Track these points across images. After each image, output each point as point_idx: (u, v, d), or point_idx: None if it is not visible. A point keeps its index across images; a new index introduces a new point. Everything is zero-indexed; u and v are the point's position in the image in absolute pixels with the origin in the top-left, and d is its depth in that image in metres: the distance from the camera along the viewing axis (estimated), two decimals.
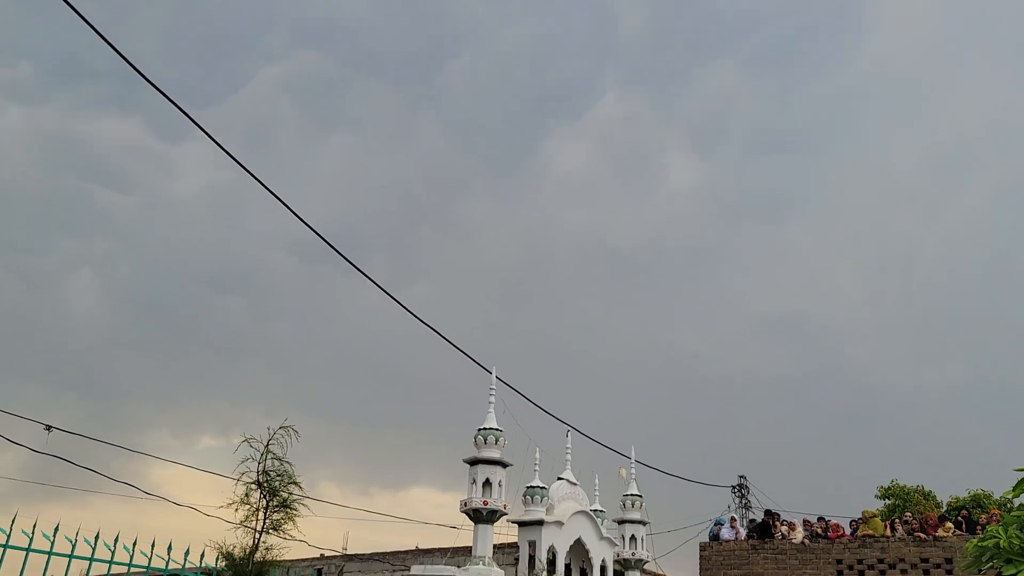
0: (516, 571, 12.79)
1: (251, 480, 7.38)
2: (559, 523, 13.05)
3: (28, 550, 6.18)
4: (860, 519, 16.72)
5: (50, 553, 6.31)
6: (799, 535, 16.85)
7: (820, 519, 17.08)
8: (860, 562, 15.78)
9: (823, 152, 68.47)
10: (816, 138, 68.39)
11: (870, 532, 16.16)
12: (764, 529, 17.62)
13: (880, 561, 15.58)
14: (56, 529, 6.37)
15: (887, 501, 22.57)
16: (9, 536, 6.05)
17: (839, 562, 15.99)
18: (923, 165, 63.45)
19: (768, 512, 18.49)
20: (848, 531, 16.63)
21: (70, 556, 6.47)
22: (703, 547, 17.93)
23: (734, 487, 25.27)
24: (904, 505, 20.78)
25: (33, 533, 6.22)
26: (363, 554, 20.07)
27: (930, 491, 22.35)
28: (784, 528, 17.36)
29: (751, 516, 21.97)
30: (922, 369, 60.94)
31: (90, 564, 6.61)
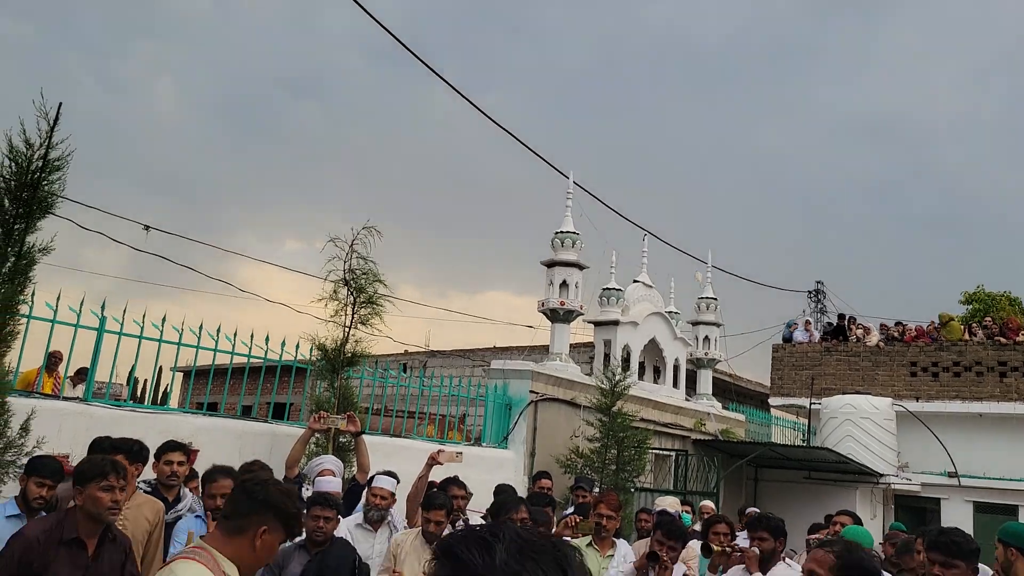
0: (591, 368, 13.30)
1: (338, 278, 7.68)
2: (634, 323, 13.36)
3: (140, 338, 6.69)
4: (939, 323, 16.62)
5: (160, 341, 6.82)
6: (874, 338, 16.92)
7: (898, 324, 17.05)
8: (935, 364, 15.86)
9: None
10: None
11: (948, 336, 16.11)
12: (839, 332, 17.74)
13: (956, 364, 15.62)
14: (164, 319, 6.85)
15: (970, 307, 22.29)
16: (123, 325, 6.54)
17: (913, 364, 16.10)
18: None
19: (843, 315, 18.52)
20: (926, 335, 16.60)
21: (178, 344, 6.98)
22: (776, 348, 18.23)
23: (810, 292, 25.21)
24: (987, 311, 20.49)
25: (144, 323, 6.71)
26: (444, 351, 21.08)
27: (1017, 297, 21.92)
28: (859, 331, 17.43)
29: (826, 320, 22.04)
30: None
31: (196, 352, 7.13)
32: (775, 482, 14.79)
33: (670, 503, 8.04)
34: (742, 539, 6.12)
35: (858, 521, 6.81)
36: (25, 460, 4.95)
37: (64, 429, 5.74)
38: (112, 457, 3.92)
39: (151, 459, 5.25)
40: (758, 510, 9.13)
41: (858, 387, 16.03)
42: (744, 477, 14.87)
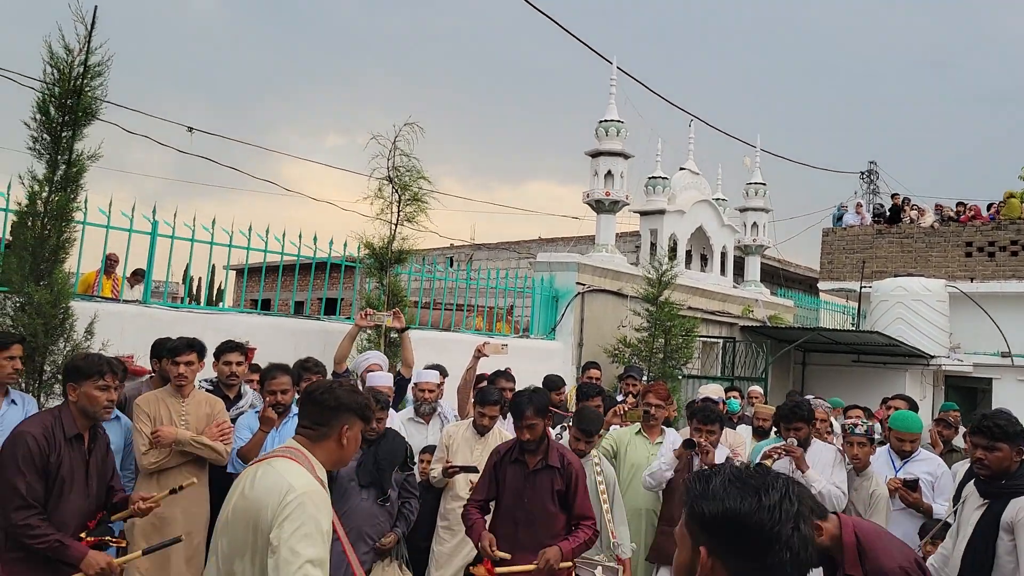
0: (638, 258, 13.25)
1: (382, 176, 7.67)
2: (680, 212, 13.19)
3: (192, 240, 6.80)
4: (999, 201, 16.10)
5: (211, 243, 6.94)
6: (928, 219, 16.51)
7: (960, 204, 16.57)
8: (991, 244, 15.47)
9: None
10: None
11: (1007, 214, 15.63)
12: (893, 216, 17.34)
13: (1013, 243, 15.21)
14: (213, 222, 6.94)
15: None
16: (174, 228, 6.65)
17: (968, 244, 15.73)
18: None
19: (896, 195, 18.05)
20: (985, 214, 16.13)
21: (229, 246, 7.09)
22: (826, 232, 17.92)
23: (863, 173, 24.54)
24: None
25: (195, 225, 6.81)
26: (490, 244, 21.15)
27: None
28: (913, 212, 17.01)
29: (879, 202, 21.52)
30: None
31: (247, 253, 7.24)
32: (824, 366, 14.82)
33: (713, 390, 8.11)
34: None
35: (913, 406, 6.81)
36: None
37: (126, 331, 5.94)
38: (109, 357, 3.97)
39: (210, 359, 5.44)
40: (810, 396, 9.20)
41: (910, 269, 15.77)
42: (792, 362, 14.91)
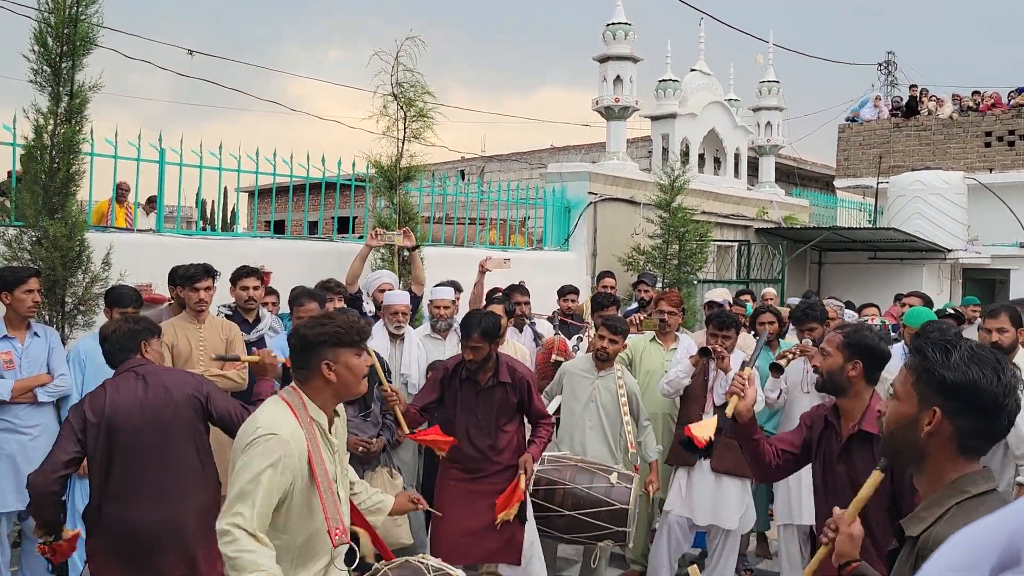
0: (650, 164, 13.10)
1: (386, 93, 7.55)
2: (692, 115, 12.96)
3: (201, 167, 6.79)
4: (1016, 87, 15.71)
5: (220, 169, 6.93)
6: (947, 110, 16.16)
7: (975, 93, 16.16)
8: (1011, 133, 15.17)
9: None
10: None
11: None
12: (909, 106, 16.98)
13: None
14: (220, 147, 6.90)
15: None
16: (182, 155, 6.63)
17: (988, 134, 15.43)
18: None
19: (914, 86, 17.62)
20: (1006, 102, 15.75)
21: (238, 170, 7.07)
22: (842, 128, 17.61)
23: (880, 65, 23.94)
24: None
25: (202, 151, 6.78)
26: (501, 155, 20.93)
27: None
28: (931, 104, 16.64)
29: (897, 94, 21.04)
30: None
31: (256, 177, 7.22)
32: (840, 264, 14.77)
33: (718, 294, 8.11)
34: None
35: (928, 302, 6.82)
36: None
37: (141, 260, 5.99)
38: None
39: (226, 285, 5.52)
40: (817, 297, 9.20)
41: (928, 162, 15.52)
42: (808, 262, 14.87)
